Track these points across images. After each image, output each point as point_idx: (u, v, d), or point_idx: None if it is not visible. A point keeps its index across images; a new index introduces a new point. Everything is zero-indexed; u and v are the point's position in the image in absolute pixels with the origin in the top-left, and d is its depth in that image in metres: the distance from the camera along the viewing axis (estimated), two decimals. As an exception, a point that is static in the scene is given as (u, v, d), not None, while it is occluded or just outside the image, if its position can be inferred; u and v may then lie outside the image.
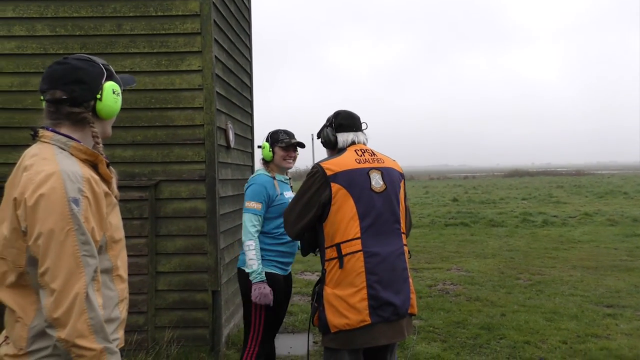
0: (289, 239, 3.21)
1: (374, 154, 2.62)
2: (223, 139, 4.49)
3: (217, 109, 4.26)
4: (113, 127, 1.77)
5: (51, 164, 1.49)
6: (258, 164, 3.45)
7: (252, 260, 3.05)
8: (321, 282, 2.52)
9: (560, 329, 5.17)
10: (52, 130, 1.59)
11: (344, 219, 2.43)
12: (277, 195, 3.17)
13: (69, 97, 1.57)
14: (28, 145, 1.62)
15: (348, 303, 2.39)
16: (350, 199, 2.44)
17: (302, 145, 3.36)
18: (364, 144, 2.68)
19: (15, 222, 1.49)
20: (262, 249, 3.14)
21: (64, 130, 1.59)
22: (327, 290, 2.45)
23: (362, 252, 2.41)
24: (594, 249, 10.19)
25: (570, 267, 8.41)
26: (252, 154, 5.82)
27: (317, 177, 2.48)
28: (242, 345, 3.25)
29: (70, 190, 1.46)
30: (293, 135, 3.33)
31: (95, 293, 1.48)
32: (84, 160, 1.59)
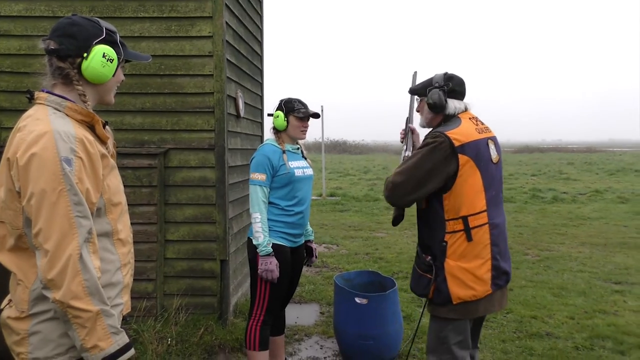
0: (297, 210, 3.18)
1: (483, 122, 2.56)
2: (233, 107, 4.43)
3: (227, 77, 4.18)
4: (122, 93, 1.74)
5: (43, 124, 1.48)
6: (268, 134, 3.40)
7: (258, 232, 3.03)
8: (437, 255, 2.43)
9: (567, 305, 5.17)
10: (47, 92, 1.59)
11: (471, 192, 2.37)
12: (281, 165, 3.12)
13: (57, 49, 1.57)
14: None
15: (475, 275, 2.39)
16: (477, 171, 2.37)
17: (318, 116, 3.29)
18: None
19: (10, 182, 1.48)
20: (269, 220, 3.12)
21: (58, 91, 1.59)
22: (450, 263, 2.40)
23: (488, 225, 2.41)
24: (604, 226, 10.13)
25: (579, 243, 8.38)
26: (261, 124, 5.76)
27: (443, 146, 2.34)
28: (248, 314, 3.26)
29: (62, 150, 1.45)
30: (307, 105, 3.26)
31: (90, 255, 1.47)
32: (79, 121, 1.58)
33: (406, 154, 2.72)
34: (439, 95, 2.47)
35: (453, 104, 2.50)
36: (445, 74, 2.55)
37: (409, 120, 2.81)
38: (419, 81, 2.70)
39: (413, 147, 2.78)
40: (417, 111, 2.68)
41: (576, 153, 55.04)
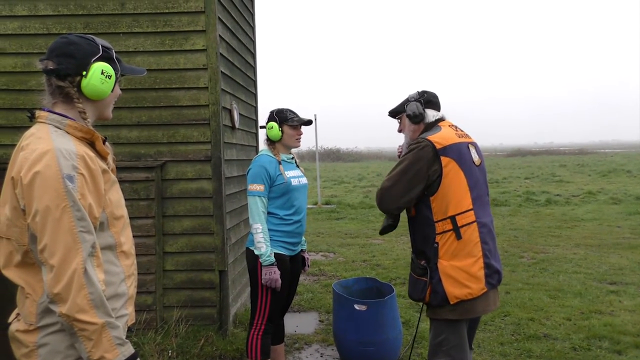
0: (295, 219, 3.22)
1: (462, 130, 2.70)
2: (228, 119, 4.48)
3: (222, 89, 4.23)
4: (118, 107, 1.77)
5: (45, 143, 1.52)
6: (263, 145, 3.44)
7: (260, 243, 3.06)
8: (431, 257, 2.49)
9: (564, 306, 5.21)
10: (47, 110, 1.62)
11: (457, 191, 2.45)
12: (278, 175, 3.16)
13: (56, 69, 1.59)
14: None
15: (468, 273, 2.44)
16: (460, 171, 2.47)
17: (310, 122, 3.35)
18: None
19: (15, 201, 1.52)
20: (268, 230, 3.15)
21: (59, 109, 1.63)
22: (443, 263, 2.46)
23: (476, 223, 2.47)
24: (597, 227, 10.22)
25: (573, 245, 8.45)
26: (256, 135, 5.81)
27: (426, 150, 2.46)
28: (249, 324, 3.28)
29: (64, 167, 1.49)
30: (297, 114, 3.32)
31: (94, 269, 1.51)
32: (80, 138, 1.62)
33: None
34: (417, 105, 2.66)
35: (431, 113, 2.68)
36: (419, 90, 2.76)
37: None
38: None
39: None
40: (400, 131, 2.82)
41: (568, 155, 55.41)
